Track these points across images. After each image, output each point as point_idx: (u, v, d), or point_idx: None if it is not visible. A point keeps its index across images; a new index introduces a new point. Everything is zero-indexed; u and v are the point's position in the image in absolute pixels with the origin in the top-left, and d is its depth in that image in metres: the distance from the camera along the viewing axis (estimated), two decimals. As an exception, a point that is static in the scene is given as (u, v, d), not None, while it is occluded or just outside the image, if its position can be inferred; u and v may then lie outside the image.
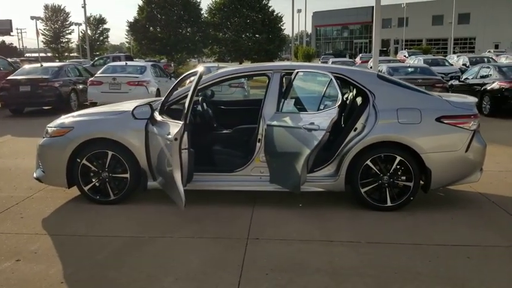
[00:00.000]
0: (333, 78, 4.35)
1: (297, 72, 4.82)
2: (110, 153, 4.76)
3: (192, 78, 4.40)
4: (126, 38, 51.11)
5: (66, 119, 5.13)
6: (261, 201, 4.86)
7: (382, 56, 29.20)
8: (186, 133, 3.94)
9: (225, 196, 4.96)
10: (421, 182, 4.61)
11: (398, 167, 4.58)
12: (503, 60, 22.97)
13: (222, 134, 5.54)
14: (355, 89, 5.29)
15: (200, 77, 4.07)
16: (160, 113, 4.58)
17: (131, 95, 11.88)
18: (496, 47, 50.23)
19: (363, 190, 4.61)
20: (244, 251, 3.70)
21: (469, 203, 4.83)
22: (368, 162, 4.57)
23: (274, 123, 4.60)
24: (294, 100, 4.75)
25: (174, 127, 3.99)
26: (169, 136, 3.97)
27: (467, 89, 12.78)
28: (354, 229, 4.14)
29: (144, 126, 4.66)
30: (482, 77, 12.57)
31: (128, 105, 5.10)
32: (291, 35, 44.14)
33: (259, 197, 4.94)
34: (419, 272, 3.28)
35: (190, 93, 4.01)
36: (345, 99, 5.73)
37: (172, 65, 34.20)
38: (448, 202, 4.85)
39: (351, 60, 33.92)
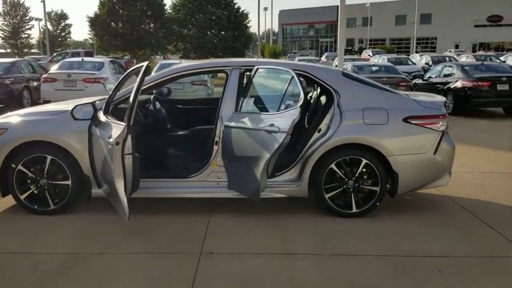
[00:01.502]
0: (295, 76, 4.02)
1: (257, 68, 4.46)
2: (49, 157, 4.26)
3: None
4: (89, 34, 49.45)
5: (1, 119, 4.59)
6: (219, 210, 4.48)
7: (348, 55, 29.30)
8: (130, 136, 3.50)
9: (179, 204, 4.55)
10: (388, 186, 4.35)
11: (364, 170, 4.30)
12: (464, 59, 23.41)
13: (177, 135, 5.12)
14: (319, 88, 4.99)
15: (145, 73, 3.63)
16: (105, 113, 4.11)
17: (87, 92, 11.17)
18: (457, 46, 51.55)
19: (327, 196, 4.31)
20: (196, 268, 3.31)
21: (437, 207, 4.61)
22: (332, 165, 4.27)
23: (232, 124, 4.23)
24: (253, 99, 4.39)
25: (117, 129, 3.55)
26: (111, 140, 3.52)
27: (431, 87, 12.80)
28: (317, 239, 3.83)
29: (87, 128, 4.19)
30: (445, 75, 12.61)
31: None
32: (257, 33, 43.75)
33: (217, 205, 4.55)
34: (387, 289, 2.99)
35: (134, 91, 3.57)
36: (308, 98, 5.43)
37: (134, 61, 33.24)
38: (416, 207, 4.62)
39: (316, 58, 34.00)
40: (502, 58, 24.31)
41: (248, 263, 3.39)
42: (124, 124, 3.48)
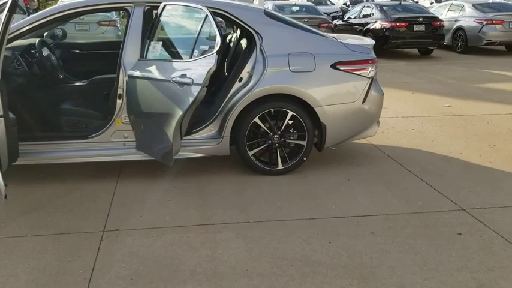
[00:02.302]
0: (210, 15, 3.39)
1: (165, 5, 3.74)
2: None
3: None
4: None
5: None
6: (127, 175, 3.89)
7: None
8: (-1, 94, 2.74)
9: (79, 170, 3.88)
10: (315, 139, 4.01)
11: (290, 123, 3.90)
12: (380, -1, 23.59)
13: (72, 87, 4.31)
14: (239, 29, 4.40)
15: (11, 11, 2.79)
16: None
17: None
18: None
19: (251, 153, 3.87)
20: (97, 250, 2.76)
21: (364, 158, 4.39)
22: (256, 119, 3.81)
23: (137, 74, 3.56)
24: (161, 43, 3.71)
25: None
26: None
27: (350, 28, 12.65)
28: (241, 204, 3.41)
29: None
30: (364, 16, 12.47)
31: None
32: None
33: (124, 170, 3.95)
34: (320, 262, 2.67)
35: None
36: (228, 41, 4.83)
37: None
38: (342, 159, 4.35)
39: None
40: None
41: (161, 239, 2.90)
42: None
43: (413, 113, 6.06)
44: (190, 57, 3.50)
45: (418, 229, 3.06)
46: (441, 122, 5.64)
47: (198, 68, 3.27)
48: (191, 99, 3.22)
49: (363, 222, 3.15)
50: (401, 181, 3.86)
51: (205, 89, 3.28)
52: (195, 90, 3.22)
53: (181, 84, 3.28)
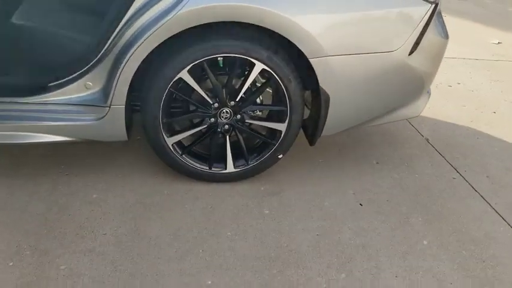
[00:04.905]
0: None
1: None
2: None
3: None
4: None
5: None
6: None
7: None
8: None
9: None
10: (305, 120, 2.04)
11: (254, 86, 1.91)
12: None
13: None
14: None
15: None
16: None
17: None
18: None
19: (170, 140, 1.91)
20: None
21: (387, 149, 2.47)
22: (184, 73, 1.78)
23: None
24: None
25: None
26: None
27: None
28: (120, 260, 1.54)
29: None
30: None
31: None
32: None
33: None
34: None
35: None
36: None
37: None
38: (345, 147, 2.44)
39: None
40: None
41: None
42: None
43: (452, 51, 4.02)
44: None
45: None
46: (496, 70, 3.66)
47: None
48: None
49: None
50: (456, 204, 1.99)
51: None
52: None
53: None
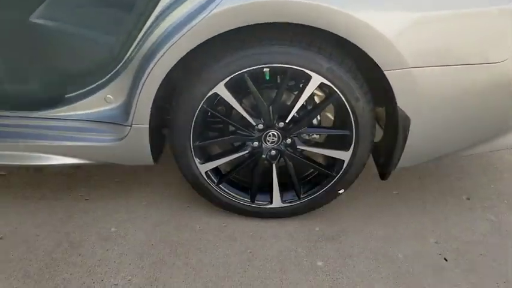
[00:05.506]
0: None
1: None
2: None
3: None
4: None
5: None
6: None
7: None
8: None
9: None
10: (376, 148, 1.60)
11: (313, 105, 1.51)
12: None
13: None
14: None
15: None
16: None
17: None
18: None
19: (204, 167, 1.55)
20: None
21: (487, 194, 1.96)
22: (220, 88, 1.40)
23: None
24: None
25: None
26: None
27: None
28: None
29: None
30: None
31: None
32: None
33: None
34: None
35: None
36: None
37: None
38: (426, 185, 1.96)
39: None
40: None
41: None
42: None
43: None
44: None
45: None
46: None
47: None
48: None
49: None
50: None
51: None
52: None
53: None
